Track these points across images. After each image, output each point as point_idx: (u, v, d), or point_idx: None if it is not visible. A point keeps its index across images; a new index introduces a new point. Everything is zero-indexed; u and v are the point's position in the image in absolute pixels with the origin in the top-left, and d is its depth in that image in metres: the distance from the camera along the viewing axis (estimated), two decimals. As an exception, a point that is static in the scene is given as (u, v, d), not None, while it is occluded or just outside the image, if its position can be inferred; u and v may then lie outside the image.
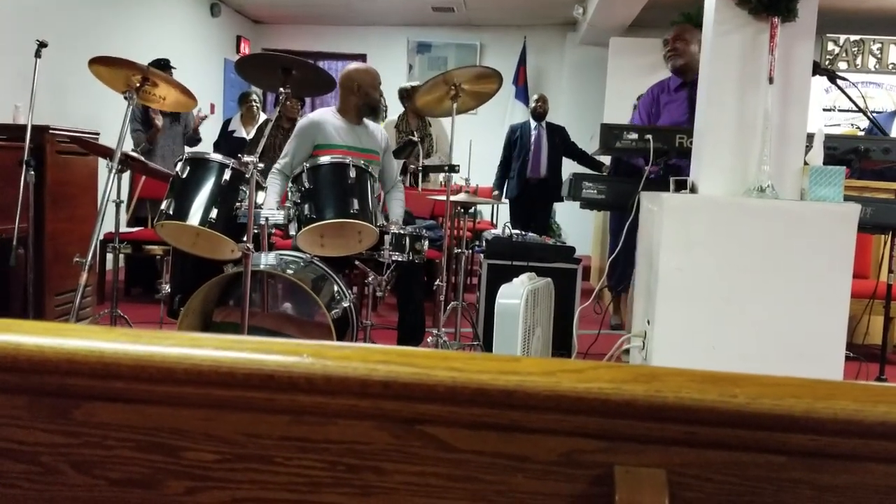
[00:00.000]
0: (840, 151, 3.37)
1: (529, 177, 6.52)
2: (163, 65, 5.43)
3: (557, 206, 7.74)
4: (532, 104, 6.64)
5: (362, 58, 9.79)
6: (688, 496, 0.57)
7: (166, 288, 3.21)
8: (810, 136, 3.00)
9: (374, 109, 3.71)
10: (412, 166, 4.37)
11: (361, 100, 3.62)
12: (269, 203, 3.33)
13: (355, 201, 2.88)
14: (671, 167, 3.49)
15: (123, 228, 3.77)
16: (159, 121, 5.50)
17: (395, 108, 6.52)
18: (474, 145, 6.06)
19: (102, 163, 3.48)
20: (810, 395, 0.54)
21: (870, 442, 0.55)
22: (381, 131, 3.80)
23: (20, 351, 0.58)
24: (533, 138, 6.52)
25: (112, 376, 0.57)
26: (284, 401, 0.57)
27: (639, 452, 0.57)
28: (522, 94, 9.31)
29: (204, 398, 0.58)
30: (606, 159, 5.99)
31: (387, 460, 0.59)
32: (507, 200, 6.73)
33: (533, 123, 6.58)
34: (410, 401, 0.56)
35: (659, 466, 0.57)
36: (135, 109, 5.32)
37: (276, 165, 3.62)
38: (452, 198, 3.36)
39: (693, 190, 3.01)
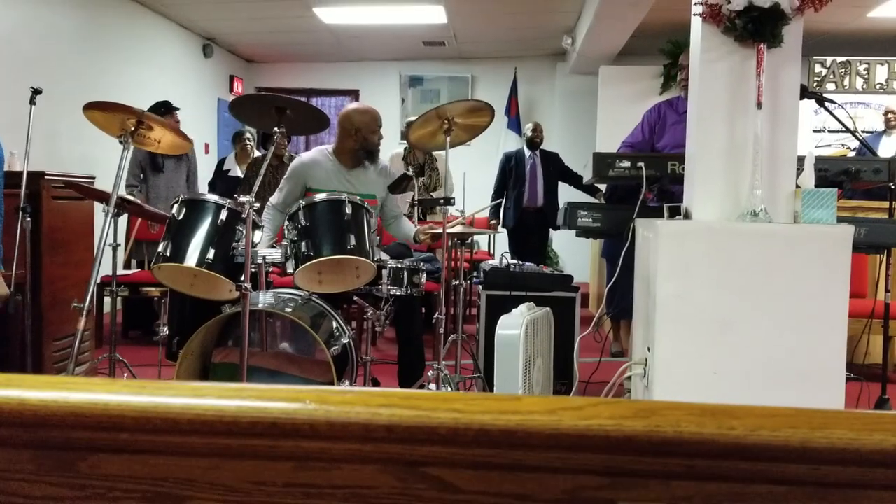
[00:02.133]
0: (831, 173, 3.39)
1: (526, 206, 6.54)
2: (165, 107, 5.46)
3: (554, 233, 7.76)
4: (529, 133, 6.67)
5: (355, 93, 9.87)
6: (691, 529, 0.58)
7: (164, 330, 3.20)
8: (801, 159, 3.02)
9: (372, 154, 3.60)
10: (408, 200, 4.41)
11: (358, 143, 3.53)
12: (265, 240, 3.33)
13: (352, 237, 2.89)
14: (665, 193, 3.51)
15: (120, 271, 3.77)
16: None
17: (393, 144, 6.60)
18: (468, 177, 6.10)
19: (98, 207, 3.49)
20: (806, 424, 0.55)
21: (867, 470, 0.55)
22: (384, 172, 3.69)
23: (25, 406, 0.58)
24: (528, 167, 6.56)
25: (117, 428, 0.58)
26: (288, 447, 0.58)
27: (641, 487, 0.58)
28: (515, 124, 9.39)
29: (208, 447, 0.58)
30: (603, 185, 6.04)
31: (392, 503, 0.59)
32: (504, 230, 6.74)
33: (528, 152, 6.62)
34: (413, 443, 0.56)
35: (661, 501, 0.57)
36: (140, 157, 5.33)
37: (272, 200, 3.62)
38: (449, 230, 3.37)
39: (687, 216, 3.03)
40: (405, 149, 6.00)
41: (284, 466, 0.59)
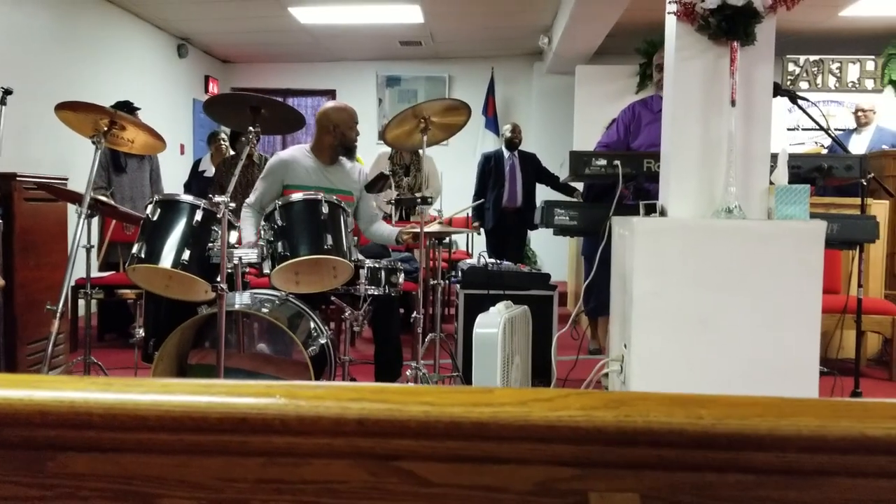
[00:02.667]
0: (804, 170, 3.44)
1: (505, 206, 6.56)
2: (127, 108, 5.39)
3: (532, 233, 7.78)
4: (508, 134, 6.68)
5: (332, 93, 9.84)
6: (662, 519, 0.58)
7: (140, 332, 3.17)
8: (774, 156, 3.05)
9: (350, 150, 3.65)
10: (386, 200, 4.41)
11: (337, 140, 3.56)
12: (247, 236, 3.32)
13: (329, 237, 2.88)
14: (641, 191, 3.53)
15: (95, 273, 3.73)
16: None
17: (370, 144, 6.60)
18: (446, 176, 6.10)
19: (72, 208, 3.45)
20: (774, 413, 0.55)
21: (834, 457, 0.56)
22: (358, 170, 3.75)
23: (-10, 405, 0.57)
24: (507, 168, 6.58)
25: (84, 426, 0.57)
26: (258, 443, 0.57)
27: (612, 478, 0.58)
28: (492, 123, 9.41)
29: (177, 444, 0.58)
30: (579, 184, 6.07)
31: (364, 498, 0.59)
32: (483, 231, 6.75)
33: (506, 153, 6.63)
34: (385, 437, 0.56)
35: (632, 491, 0.58)
36: (102, 158, 5.24)
37: (248, 200, 3.60)
38: (426, 228, 3.37)
39: (662, 213, 3.05)
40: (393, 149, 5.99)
41: (255, 462, 0.59)
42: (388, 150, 6.00)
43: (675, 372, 2.84)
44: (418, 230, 3.39)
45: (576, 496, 0.58)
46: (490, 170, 6.60)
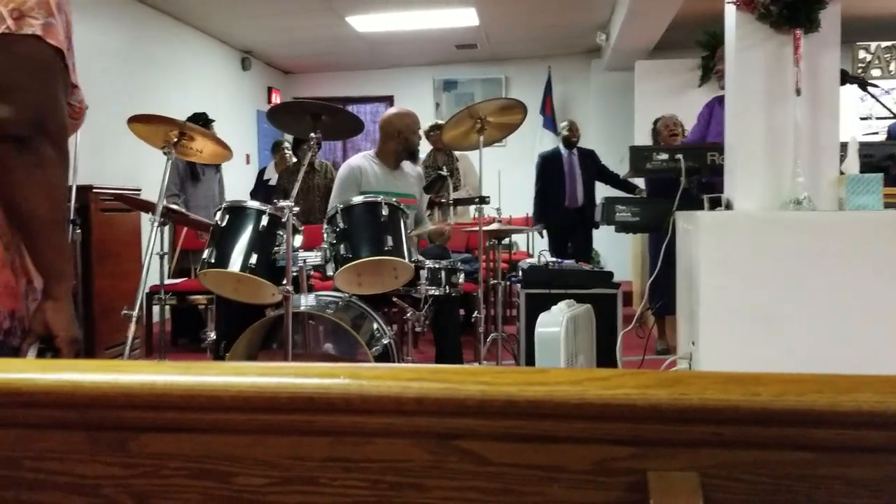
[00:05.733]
0: (876, 159, 3.33)
1: (567, 205, 6.51)
2: (201, 119, 5.55)
3: (594, 231, 7.70)
4: (565, 132, 6.63)
5: (389, 99, 9.94)
6: (721, 497, 0.58)
7: (211, 336, 3.27)
8: (844, 146, 2.97)
9: (414, 154, 3.77)
10: (442, 200, 4.45)
11: (401, 145, 3.68)
12: None
13: (389, 238, 2.92)
14: (705, 185, 3.48)
15: (168, 280, 3.86)
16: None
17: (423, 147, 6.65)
18: (504, 176, 6.10)
19: (145, 217, 3.58)
20: (833, 389, 0.55)
21: (893, 434, 0.56)
22: (417, 173, 3.84)
23: (79, 388, 0.62)
24: (567, 167, 6.52)
25: (164, 407, 0.61)
26: (324, 422, 0.60)
27: (670, 457, 0.59)
28: (550, 122, 9.36)
29: (250, 423, 0.61)
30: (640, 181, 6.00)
31: (426, 476, 0.61)
32: (545, 232, 6.70)
33: (564, 152, 6.58)
34: (443, 416, 0.58)
35: (691, 469, 0.58)
36: (179, 168, 5.40)
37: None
38: (484, 228, 3.39)
39: (728, 206, 3.00)
40: (427, 153, 6.05)
41: (322, 441, 0.62)
42: (422, 155, 6.05)
43: (745, 370, 2.78)
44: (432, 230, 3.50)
45: (634, 475, 0.59)
46: (549, 169, 6.56)
